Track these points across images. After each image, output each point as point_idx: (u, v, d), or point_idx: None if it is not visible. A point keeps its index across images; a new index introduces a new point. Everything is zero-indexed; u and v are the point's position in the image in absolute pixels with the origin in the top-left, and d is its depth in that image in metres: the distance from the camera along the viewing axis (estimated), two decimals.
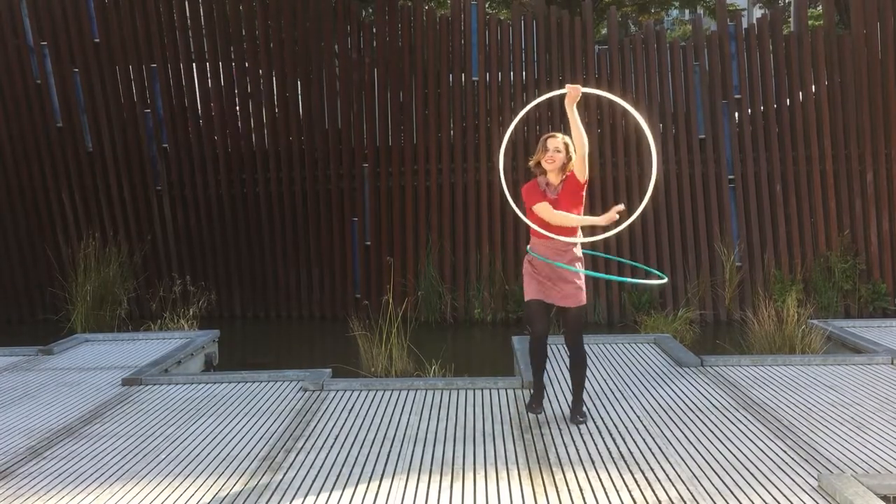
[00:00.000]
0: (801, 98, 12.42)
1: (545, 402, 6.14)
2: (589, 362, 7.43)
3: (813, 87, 12.42)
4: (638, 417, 5.80)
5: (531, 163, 5.64)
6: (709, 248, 12.40)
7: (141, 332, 9.74)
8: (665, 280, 6.10)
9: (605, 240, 12.34)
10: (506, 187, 5.86)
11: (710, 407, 6.02)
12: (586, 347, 7.99)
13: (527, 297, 5.71)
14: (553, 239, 5.50)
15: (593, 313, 12.33)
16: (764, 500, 4.29)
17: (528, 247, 5.72)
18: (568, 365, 5.95)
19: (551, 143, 5.50)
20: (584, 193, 5.56)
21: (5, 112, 13.18)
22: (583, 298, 5.60)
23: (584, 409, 5.82)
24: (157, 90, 13.16)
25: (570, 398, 5.92)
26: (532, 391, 5.91)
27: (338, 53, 13.20)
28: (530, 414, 5.79)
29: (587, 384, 6.70)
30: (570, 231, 5.53)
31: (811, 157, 12.35)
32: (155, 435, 5.73)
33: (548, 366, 7.27)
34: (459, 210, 12.77)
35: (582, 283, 5.59)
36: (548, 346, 5.89)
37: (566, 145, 5.50)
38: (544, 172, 5.57)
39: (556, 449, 5.17)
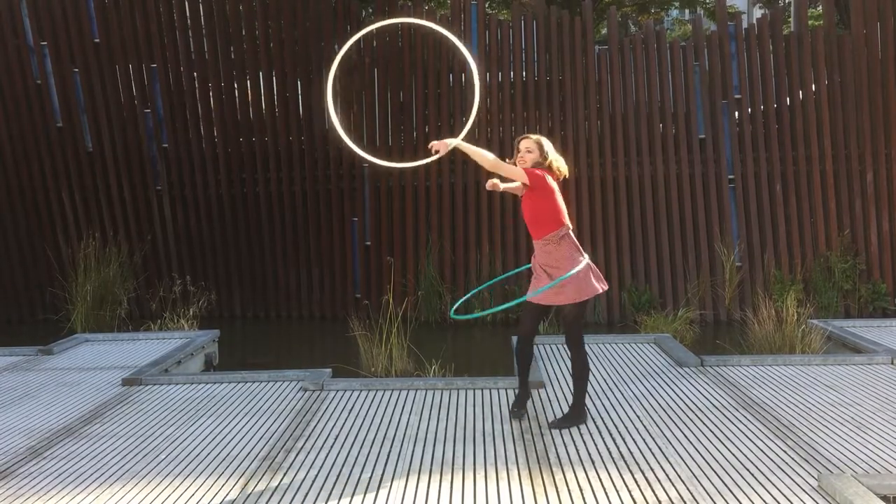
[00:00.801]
0: (801, 98, 12.42)
1: (546, 403, 6.15)
2: (589, 362, 7.45)
3: (813, 86, 12.42)
4: (638, 417, 5.80)
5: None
6: (709, 248, 12.39)
7: (141, 332, 9.74)
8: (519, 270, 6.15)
9: (596, 243, 12.47)
10: (349, 141, 5.81)
11: (710, 407, 6.02)
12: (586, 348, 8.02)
13: None
14: (537, 242, 5.59)
15: (593, 313, 12.33)
16: (764, 500, 4.29)
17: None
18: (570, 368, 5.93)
19: (523, 144, 5.61)
20: (550, 191, 5.47)
21: (5, 112, 13.18)
22: (570, 296, 5.47)
23: (576, 423, 5.60)
24: (157, 90, 13.17)
25: (570, 398, 5.91)
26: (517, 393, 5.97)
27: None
28: (513, 420, 5.75)
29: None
30: (542, 229, 5.51)
31: (811, 157, 12.35)
32: (155, 435, 5.73)
33: (547, 365, 7.30)
34: (459, 210, 12.77)
35: (569, 278, 5.43)
36: (533, 348, 5.91)
37: (539, 146, 5.56)
38: None
39: (556, 449, 5.17)
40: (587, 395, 5.89)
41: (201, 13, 13.13)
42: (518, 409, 5.82)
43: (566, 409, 5.89)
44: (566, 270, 5.46)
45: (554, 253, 5.51)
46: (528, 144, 5.57)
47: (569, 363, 7.11)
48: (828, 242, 12.29)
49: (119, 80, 13.17)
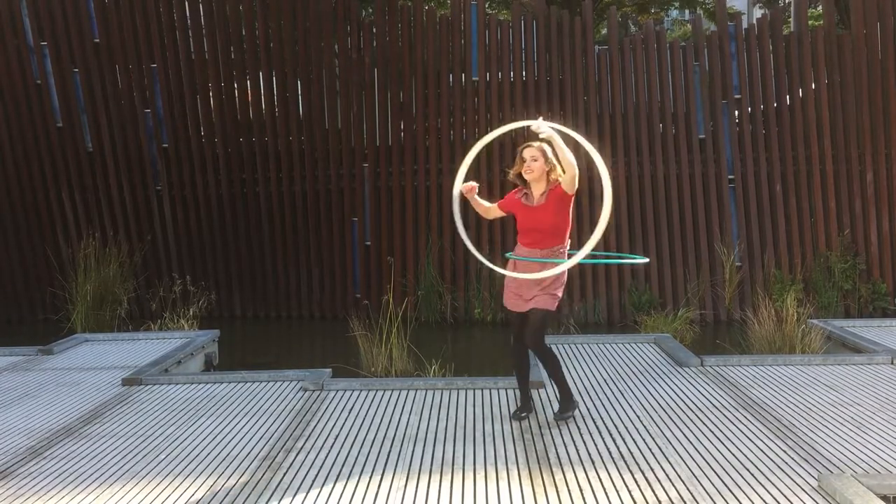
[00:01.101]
0: (801, 98, 12.42)
1: (545, 403, 6.15)
2: (589, 362, 7.47)
3: (813, 86, 12.42)
4: (638, 417, 5.80)
5: (511, 175, 5.56)
6: (709, 248, 12.40)
7: (141, 332, 9.74)
8: (647, 260, 6.35)
9: (602, 240, 12.45)
10: (458, 215, 5.71)
11: (710, 407, 6.02)
12: (582, 347, 8.04)
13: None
14: (535, 250, 5.52)
15: (593, 313, 12.34)
16: (764, 500, 4.29)
17: (509, 253, 5.72)
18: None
19: (527, 153, 5.42)
20: (571, 204, 5.52)
21: (5, 112, 13.18)
22: (549, 304, 5.47)
23: (573, 408, 5.70)
24: (157, 90, 13.17)
25: None
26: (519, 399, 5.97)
27: (338, 53, 13.21)
28: (513, 420, 5.75)
29: (586, 383, 6.72)
30: (557, 238, 5.48)
31: (811, 157, 12.36)
32: (155, 435, 5.73)
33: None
34: None
35: (554, 289, 5.47)
36: (528, 357, 5.85)
37: (543, 152, 5.40)
38: (525, 183, 5.52)
39: (556, 449, 5.17)
40: (587, 396, 5.90)
41: (201, 13, 13.13)
42: (520, 414, 5.80)
43: None
44: (557, 278, 5.47)
45: (551, 264, 5.49)
46: (533, 153, 5.40)
47: (569, 363, 7.13)
48: (828, 242, 12.29)
49: (119, 80, 13.18)
